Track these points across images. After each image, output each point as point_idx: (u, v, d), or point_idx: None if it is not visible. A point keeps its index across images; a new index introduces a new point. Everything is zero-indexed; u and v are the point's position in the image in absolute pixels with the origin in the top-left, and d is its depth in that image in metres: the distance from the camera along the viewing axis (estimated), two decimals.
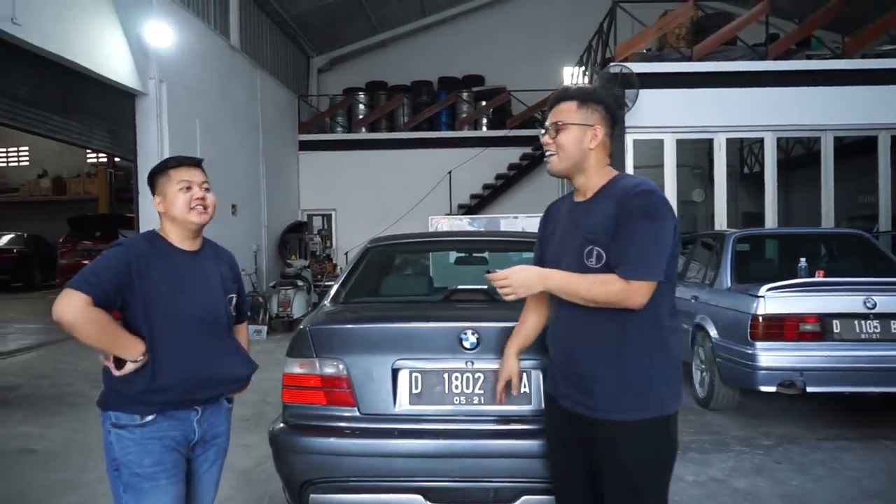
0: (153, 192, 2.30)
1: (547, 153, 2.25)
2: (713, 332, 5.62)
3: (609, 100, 2.28)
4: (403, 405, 2.87)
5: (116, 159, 18.62)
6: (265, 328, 10.20)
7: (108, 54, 8.55)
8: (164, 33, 9.37)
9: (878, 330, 4.92)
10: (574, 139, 2.19)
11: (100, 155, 20.36)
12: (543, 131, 2.27)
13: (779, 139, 10.64)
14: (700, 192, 17.14)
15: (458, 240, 4.84)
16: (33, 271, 16.28)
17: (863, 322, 4.92)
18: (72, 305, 2.01)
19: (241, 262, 10.77)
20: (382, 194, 15.58)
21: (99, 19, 8.43)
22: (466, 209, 15.25)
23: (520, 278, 2.11)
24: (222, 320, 2.31)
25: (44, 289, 16.07)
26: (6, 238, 16.10)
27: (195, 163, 2.29)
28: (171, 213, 2.21)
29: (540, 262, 2.35)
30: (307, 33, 16.60)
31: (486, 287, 3.61)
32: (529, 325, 2.53)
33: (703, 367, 5.83)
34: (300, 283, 11.16)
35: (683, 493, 3.88)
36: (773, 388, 5.00)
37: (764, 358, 4.99)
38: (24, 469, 4.37)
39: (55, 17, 7.50)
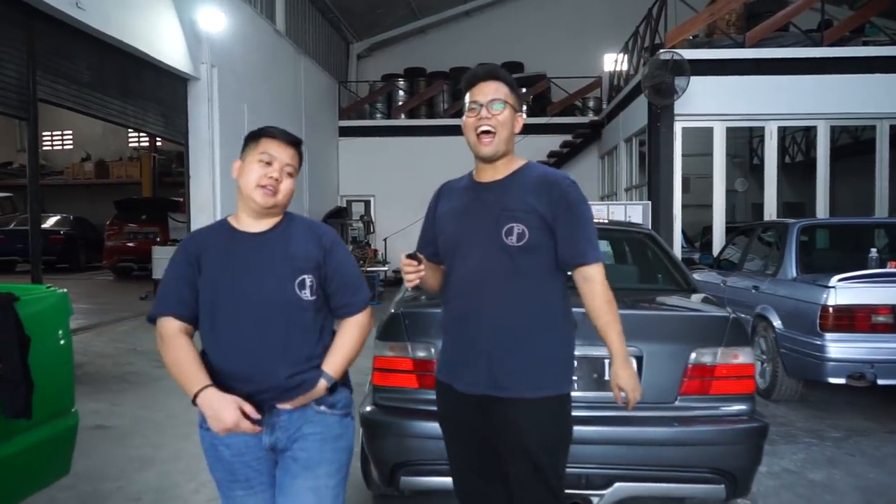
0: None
1: (485, 129, 2.12)
2: (777, 323, 5.55)
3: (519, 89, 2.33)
4: None
5: (158, 144, 18.91)
6: None
7: (163, 39, 8.66)
8: (216, 18, 9.45)
9: None
10: (509, 121, 2.16)
11: (142, 139, 20.67)
12: (477, 106, 2.14)
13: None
14: (743, 181, 16.93)
15: None
16: (79, 253, 16.60)
17: None
18: (159, 341, 1.94)
19: None
20: (421, 181, 15.42)
21: (156, 4, 8.54)
22: None
23: (635, 383, 2.14)
24: (278, 307, 1.93)
25: (89, 270, 16.41)
26: (52, 220, 16.40)
27: (292, 140, 2.03)
28: (240, 182, 1.99)
29: (431, 239, 2.31)
30: (348, 19, 16.62)
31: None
32: (438, 279, 2.31)
33: (765, 357, 5.76)
34: None
35: (759, 482, 3.84)
36: (842, 380, 4.94)
37: (833, 349, 4.92)
38: (100, 445, 4.47)
39: (116, 2, 7.61)
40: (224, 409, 1.80)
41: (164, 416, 5.20)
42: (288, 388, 1.91)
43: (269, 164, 1.96)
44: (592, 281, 2.12)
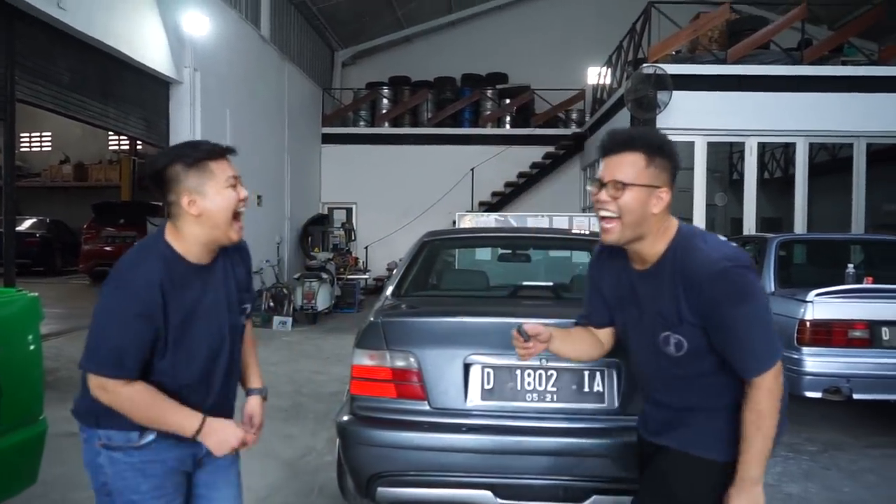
0: (168, 187, 1.79)
1: (603, 214, 1.86)
2: None
3: (676, 153, 1.90)
4: (475, 400, 2.87)
5: (139, 147, 18.72)
6: (290, 319, 10.22)
7: (146, 41, 8.59)
8: (200, 22, 9.39)
9: None
10: (639, 202, 1.82)
11: (122, 142, 20.45)
12: (597, 186, 1.87)
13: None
14: (722, 195, 17.08)
15: (517, 236, 4.82)
16: (55, 256, 16.36)
17: None
18: (106, 396, 1.75)
19: (265, 254, 10.83)
20: (404, 189, 15.58)
21: (139, 6, 8.46)
22: (488, 206, 15.23)
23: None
24: (227, 344, 1.94)
25: (65, 274, 16.16)
26: (28, 223, 16.17)
27: (231, 152, 1.86)
28: (212, 219, 1.78)
29: (601, 311, 2.13)
30: (333, 26, 16.60)
31: (551, 284, 3.60)
32: (579, 347, 2.19)
33: None
34: (324, 275, 11.17)
35: None
36: (818, 394, 4.96)
37: (810, 363, 4.95)
38: (71, 452, 4.37)
39: (98, 3, 7.53)
40: (230, 433, 1.87)
41: None
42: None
43: (234, 186, 1.82)
44: (754, 388, 1.80)
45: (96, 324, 1.76)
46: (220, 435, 1.85)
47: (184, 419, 1.81)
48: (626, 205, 1.82)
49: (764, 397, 1.78)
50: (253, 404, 2.10)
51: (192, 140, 1.89)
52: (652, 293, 1.89)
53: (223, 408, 1.97)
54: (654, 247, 1.88)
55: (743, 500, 1.80)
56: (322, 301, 10.77)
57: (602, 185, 1.85)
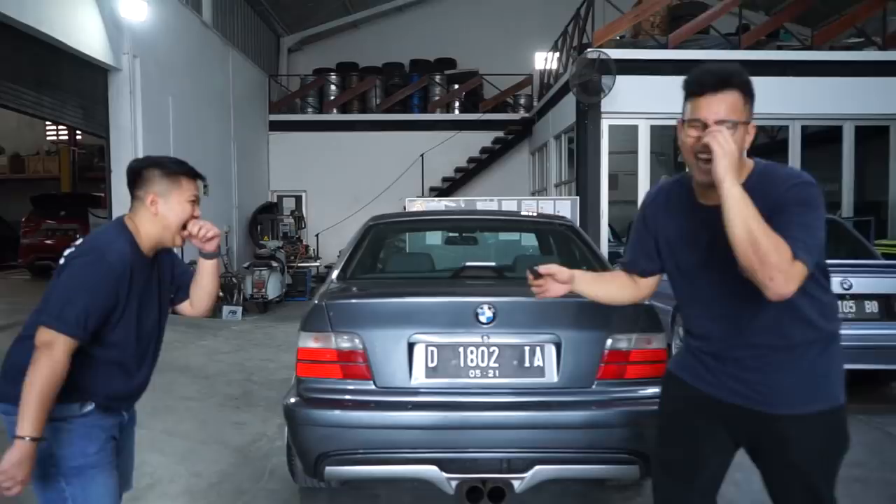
0: (143, 184, 2.10)
1: (706, 157, 1.79)
2: None
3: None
4: (419, 378, 2.94)
5: (78, 137, 18.18)
6: (240, 308, 10.13)
7: (81, 28, 8.32)
8: (138, 7, 9.14)
9: (854, 310, 5.17)
10: (741, 140, 1.81)
11: (60, 132, 19.81)
12: (699, 124, 1.82)
13: None
14: (666, 177, 17.49)
15: (461, 218, 4.89)
16: None
17: (840, 303, 5.13)
18: (44, 355, 1.87)
19: None
20: (354, 176, 15.50)
21: None
22: (438, 192, 15.27)
23: (728, 147, 1.74)
24: (155, 335, 2.22)
25: (4, 269, 15.63)
26: None
27: (204, 181, 2.22)
28: (165, 221, 2.10)
29: (649, 257, 2.12)
30: (278, 12, 16.35)
31: (494, 264, 3.68)
32: (607, 289, 2.23)
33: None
34: (274, 263, 11.07)
35: None
36: None
37: None
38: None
39: None
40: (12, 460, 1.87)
41: None
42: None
43: (193, 203, 2.13)
44: (782, 250, 1.71)
45: (64, 288, 1.95)
46: (10, 457, 1.86)
47: (34, 419, 1.85)
48: (736, 144, 1.77)
49: (786, 259, 1.69)
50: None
51: (177, 158, 2.19)
52: (708, 221, 1.87)
53: (141, 391, 2.24)
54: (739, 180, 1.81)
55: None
56: (272, 289, 10.68)
57: (705, 126, 1.80)
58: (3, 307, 9.42)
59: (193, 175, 2.16)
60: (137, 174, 2.12)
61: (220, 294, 10.40)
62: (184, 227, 2.13)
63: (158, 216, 2.09)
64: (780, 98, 10.19)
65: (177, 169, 2.13)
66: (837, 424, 1.97)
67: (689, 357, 2.10)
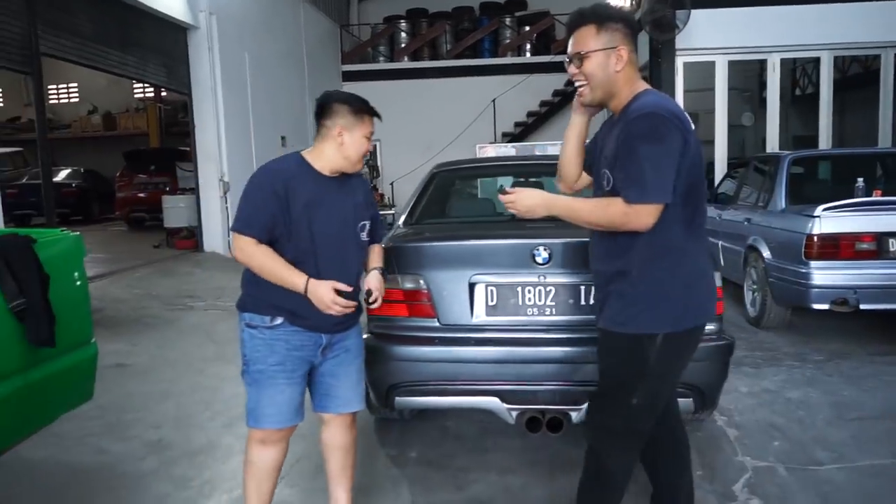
0: (332, 116, 2.35)
1: (577, 84, 2.19)
2: (766, 253, 5.71)
3: (627, 14, 2.22)
4: (480, 316, 3.11)
5: (163, 94, 18.93)
6: None
7: None
8: None
9: None
10: (600, 66, 2.12)
11: (146, 90, 20.67)
12: (568, 61, 2.17)
13: (836, 58, 10.34)
14: (749, 115, 16.73)
15: (520, 164, 4.98)
16: (91, 205, 16.86)
17: None
18: (239, 246, 2.31)
19: None
20: (426, 124, 15.59)
21: None
22: (511, 137, 15.21)
23: (525, 204, 2.12)
24: (350, 244, 2.44)
25: (103, 221, 16.70)
26: (64, 173, 16.61)
27: (379, 118, 2.48)
28: (346, 152, 2.35)
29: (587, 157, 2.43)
30: None
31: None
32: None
33: (755, 287, 5.95)
34: None
35: (739, 402, 4.10)
36: (825, 306, 5.12)
37: (818, 276, 5.10)
38: (121, 381, 4.77)
39: None
40: (322, 292, 2.28)
41: (179, 354, 5.50)
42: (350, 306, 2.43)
43: (368, 139, 2.39)
44: (611, 207, 2.04)
45: (241, 200, 2.35)
46: (318, 293, 2.28)
47: (294, 277, 2.29)
48: (589, 70, 2.13)
49: (619, 211, 2.01)
50: (371, 277, 2.58)
51: (360, 97, 2.42)
52: (609, 139, 2.17)
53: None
54: (622, 103, 2.15)
55: (532, 201, 2.12)
56: None
57: (570, 60, 2.16)
58: (105, 256, 10.17)
59: (374, 113, 2.40)
60: (328, 107, 2.37)
61: None
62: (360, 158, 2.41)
63: (343, 146, 2.35)
64: (870, 25, 9.66)
65: (362, 106, 2.38)
66: None
67: None
